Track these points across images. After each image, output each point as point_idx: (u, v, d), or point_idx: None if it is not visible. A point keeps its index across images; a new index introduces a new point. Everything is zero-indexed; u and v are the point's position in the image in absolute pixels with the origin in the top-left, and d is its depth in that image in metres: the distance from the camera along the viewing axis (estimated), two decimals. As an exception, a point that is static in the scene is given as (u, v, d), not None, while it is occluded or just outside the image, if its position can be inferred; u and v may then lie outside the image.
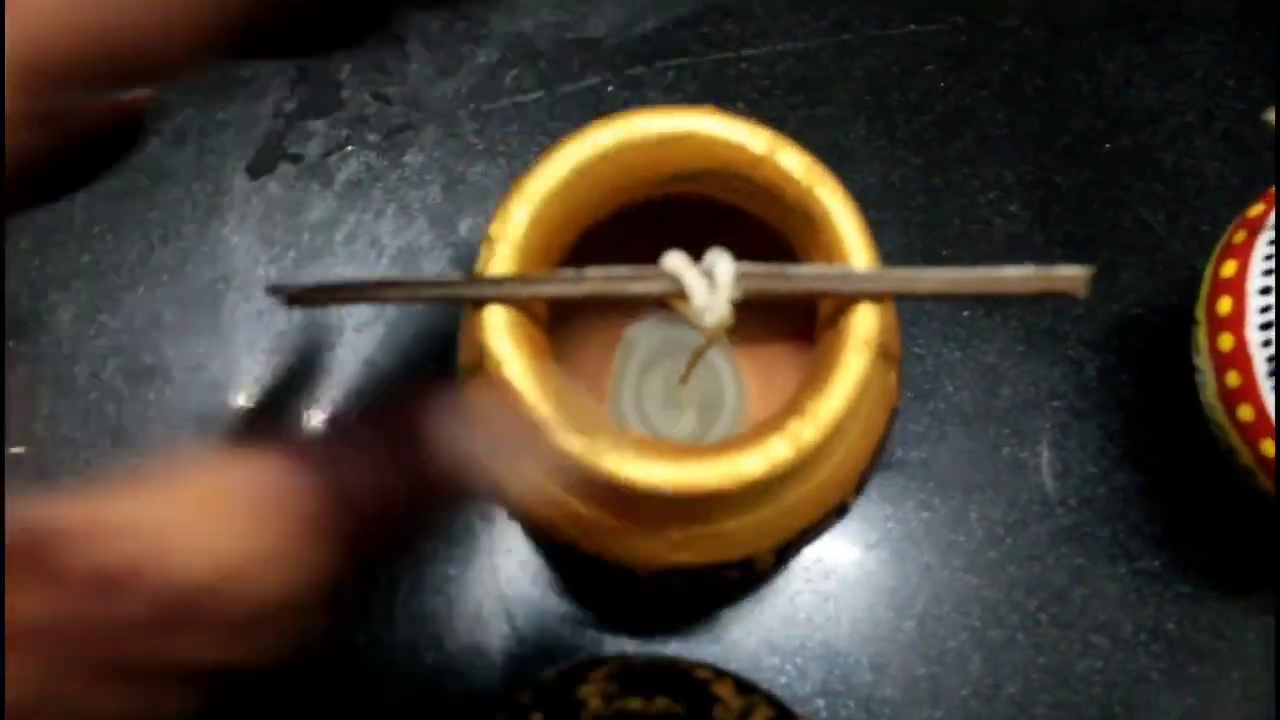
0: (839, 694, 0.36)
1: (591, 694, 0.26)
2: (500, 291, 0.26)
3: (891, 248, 0.41)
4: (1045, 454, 0.39)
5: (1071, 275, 0.27)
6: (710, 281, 0.26)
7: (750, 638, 0.36)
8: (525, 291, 0.26)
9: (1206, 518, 0.38)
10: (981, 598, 0.37)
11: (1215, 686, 0.37)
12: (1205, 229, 0.42)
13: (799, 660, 0.36)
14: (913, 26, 0.44)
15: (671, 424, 0.36)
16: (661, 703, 0.25)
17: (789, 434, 0.25)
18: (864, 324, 0.26)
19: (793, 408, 0.26)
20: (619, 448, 0.25)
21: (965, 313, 0.40)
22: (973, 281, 0.26)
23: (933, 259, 0.41)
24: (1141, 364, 0.40)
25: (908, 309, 0.40)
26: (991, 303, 0.40)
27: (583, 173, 0.27)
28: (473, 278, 0.26)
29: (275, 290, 0.26)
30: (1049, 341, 0.40)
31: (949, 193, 0.42)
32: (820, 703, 0.36)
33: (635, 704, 0.25)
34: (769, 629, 0.36)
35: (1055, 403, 0.39)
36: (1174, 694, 0.37)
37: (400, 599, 0.37)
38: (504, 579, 0.37)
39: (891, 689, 0.36)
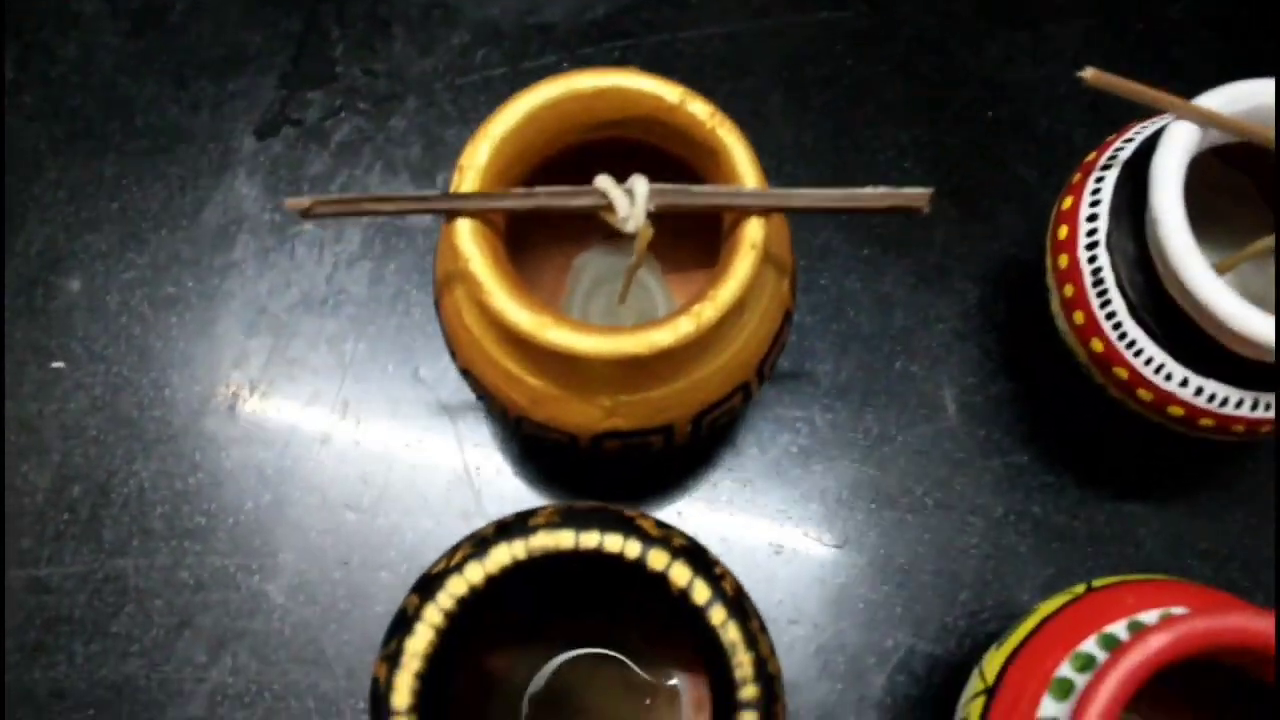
0: (753, 559, 0.43)
1: (539, 521, 0.33)
2: (468, 205, 0.33)
3: (803, 197, 0.48)
4: (944, 373, 0.46)
5: (916, 194, 0.34)
6: (630, 197, 0.33)
7: (681, 516, 0.44)
8: (487, 205, 0.33)
9: (1063, 420, 0.45)
10: (876, 485, 0.44)
11: (1071, 558, 0.44)
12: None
13: (719, 533, 0.43)
14: (824, 13, 0.51)
15: (613, 336, 0.43)
16: (594, 528, 0.32)
17: (693, 314, 0.32)
18: (753, 232, 0.33)
19: (698, 296, 0.33)
20: (558, 324, 0.32)
21: (866, 251, 0.47)
22: (836, 198, 0.34)
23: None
24: (1014, 293, 0.47)
25: (817, 247, 0.47)
26: (883, 243, 0.47)
27: (533, 118, 0.35)
28: (447, 194, 0.33)
29: (291, 204, 0.33)
30: (937, 275, 0.47)
31: (853, 152, 0.49)
32: (739, 568, 0.43)
33: (570, 531, 0.32)
34: (695, 508, 0.44)
35: (940, 325, 0.47)
36: (1037, 564, 0.44)
37: (393, 493, 0.44)
38: (472, 466, 0.44)
39: (797, 560, 0.43)
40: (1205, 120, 0.37)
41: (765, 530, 0.44)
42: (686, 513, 0.44)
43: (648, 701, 0.39)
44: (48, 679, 0.41)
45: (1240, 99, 0.38)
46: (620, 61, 0.50)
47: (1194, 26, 0.52)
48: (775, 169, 0.48)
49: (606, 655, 0.39)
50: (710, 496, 0.44)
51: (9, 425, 0.44)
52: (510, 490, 0.44)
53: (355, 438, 0.44)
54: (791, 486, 0.44)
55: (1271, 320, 0.35)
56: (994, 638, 0.38)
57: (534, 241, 0.42)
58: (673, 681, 0.39)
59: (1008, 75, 0.51)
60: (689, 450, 0.44)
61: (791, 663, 0.42)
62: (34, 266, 0.46)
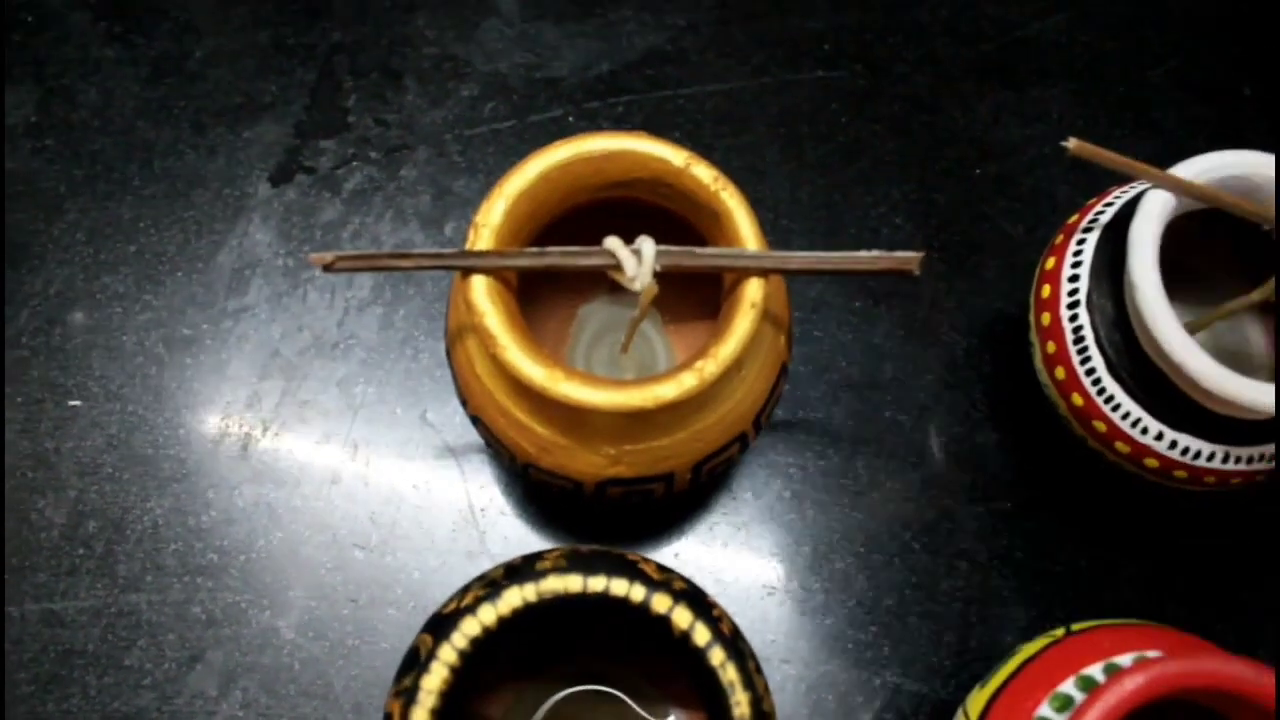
0: (746, 600, 0.45)
1: (547, 565, 0.34)
2: (484, 263, 0.35)
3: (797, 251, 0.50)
4: (932, 422, 0.48)
5: (908, 257, 0.36)
6: (638, 257, 0.35)
7: (678, 558, 0.45)
8: (502, 263, 0.35)
9: (1045, 469, 0.47)
10: (865, 529, 0.46)
11: (1052, 601, 0.46)
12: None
13: (715, 574, 0.45)
14: (820, 72, 0.53)
15: (615, 383, 0.44)
16: (600, 573, 0.34)
17: (695, 369, 0.34)
18: (753, 292, 0.35)
19: (700, 353, 0.35)
20: (569, 378, 0.34)
21: (857, 304, 0.49)
22: (832, 260, 0.36)
23: (832, 260, 0.50)
24: (999, 345, 0.49)
25: (811, 299, 0.49)
26: (874, 296, 0.49)
27: (545, 178, 0.36)
28: (463, 251, 0.35)
29: (314, 259, 0.34)
30: (925, 328, 0.49)
31: (846, 207, 0.51)
32: (733, 608, 0.44)
33: (578, 575, 0.33)
34: (692, 550, 0.45)
35: (929, 376, 0.48)
36: (1020, 607, 0.46)
37: (400, 532, 0.45)
38: (477, 508, 0.45)
39: (790, 601, 0.45)
40: (1180, 189, 0.39)
41: (759, 572, 0.45)
42: (684, 554, 0.45)
43: (645, 738, 0.40)
44: (61, 712, 0.43)
45: (1212, 168, 0.40)
46: (623, 116, 0.52)
47: (1172, 90, 0.54)
48: (771, 222, 0.50)
49: (605, 692, 0.41)
50: (707, 539, 0.46)
51: (26, 461, 0.45)
52: (514, 531, 0.45)
53: (364, 478, 0.46)
54: (784, 530, 0.46)
55: (1239, 378, 0.37)
56: (978, 677, 0.40)
57: (540, 290, 0.44)
58: (670, 718, 0.40)
59: (995, 135, 0.53)
60: (687, 495, 0.45)
61: (783, 700, 0.43)
62: (52, 306, 0.48)
